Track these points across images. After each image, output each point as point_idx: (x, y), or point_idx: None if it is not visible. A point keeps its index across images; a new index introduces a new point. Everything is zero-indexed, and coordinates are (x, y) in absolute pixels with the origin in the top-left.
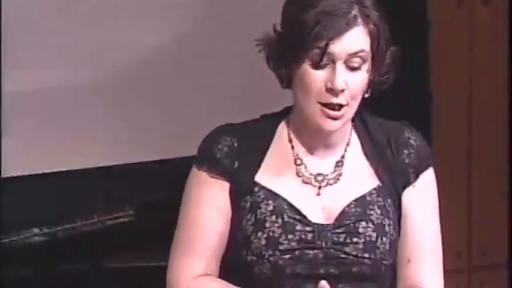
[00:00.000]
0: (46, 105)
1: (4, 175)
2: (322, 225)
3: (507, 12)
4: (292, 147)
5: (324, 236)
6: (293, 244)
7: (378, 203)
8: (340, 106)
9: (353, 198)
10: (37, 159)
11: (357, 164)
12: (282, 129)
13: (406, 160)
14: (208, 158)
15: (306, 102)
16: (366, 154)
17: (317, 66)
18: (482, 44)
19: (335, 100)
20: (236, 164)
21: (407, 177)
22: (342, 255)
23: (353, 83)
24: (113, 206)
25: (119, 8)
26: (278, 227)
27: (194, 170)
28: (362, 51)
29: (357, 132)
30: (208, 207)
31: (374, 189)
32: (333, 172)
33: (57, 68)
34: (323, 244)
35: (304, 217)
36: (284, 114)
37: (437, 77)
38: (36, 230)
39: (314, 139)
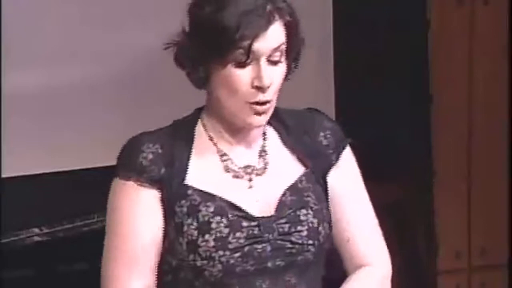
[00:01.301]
0: (46, 105)
1: (4, 175)
2: (266, 217)
3: (507, 12)
4: (215, 144)
5: (269, 229)
6: (242, 241)
7: (311, 189)
8: (266, 102)
9: (285, 187)
10: (37, 159)
11: (279, 153)
12: (200, 130)
13: (324, 142)
14: (134, 168)
15: (232, 101)
16: (285, 143)
17: (241, 65)
18: (482, 44)
19: (262, 98)
20: (163, 170)
21: (329, 159)
22: (289, 245)
23: (276, 77)
24: None
25: (119, 9)
26: (224, 227)
27: (120, 181)
28: (282, 44)
29: (270, 123)
30: (143, 218)
31: (303, 175)
32: (259, 163)
33: (57, 68)
34: (270, 237)
35: (246, 212)
36: (196, 116)
37: (437, 77)
38: (36, 230)
39: (236, 136)
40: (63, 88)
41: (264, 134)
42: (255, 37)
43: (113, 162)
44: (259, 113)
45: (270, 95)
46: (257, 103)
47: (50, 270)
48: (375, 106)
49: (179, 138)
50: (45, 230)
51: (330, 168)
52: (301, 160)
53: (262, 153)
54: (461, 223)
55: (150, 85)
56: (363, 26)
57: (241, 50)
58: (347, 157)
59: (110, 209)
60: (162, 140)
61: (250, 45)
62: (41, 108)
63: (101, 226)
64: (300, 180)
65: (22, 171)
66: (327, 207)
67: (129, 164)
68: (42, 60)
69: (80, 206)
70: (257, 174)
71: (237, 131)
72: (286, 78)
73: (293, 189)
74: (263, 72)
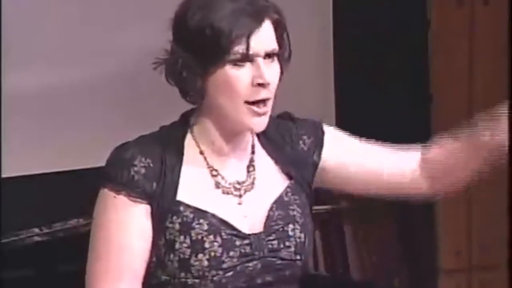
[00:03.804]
0: (46, 105)
1: (4, 175)
2: (256, 234)
3: (507, 12)
4: (205, 158)
5: (260, 246)
6: (235, 260)
7: (296, 202)
8: (265, 101)
9: (272, 200)
10: (37, 159)
11: (265, 166)
12: (190, 141)
13: (305, 148)
14: (126, 182)
15: (232, 104)
16: (269, 155)
17: (239, 65)
18: (482, 44)
19: (263, 95)
20: (155, 185)
21: (312, 161)
22: (278, 261)
23: (273, 75)
24: None
25: (119, 9)
26: (218, 246)
27: (109, 194)
28: (274, 42)
29: (255, 135)
30: (132, 233)
31: (288, 187)
32: (248, 178)
33: (56, 68)
34: (261, 254)
35: (239, 230)
36: (185, 124)
37: (437, 77)
38: (36, 230)
39: (226, 146)
40: (63, 88)
41: (253, 147)
42: (250, 34)
43: None
44: (259, 115)
45: (270, 93)
46: (257, 102)
47: (50, 270)
48: (375, 106)
49: (169, 151)
50: (45, 230)
51: (316, 168)
52: (284, 171)
53: (250, 168)
54: (461, 223)
55: (150, 85)
56: (363, 26)
57: (237, 49)
58: (329, 137)
59: (99, 222)
60: (153, 153)
61: (247, 42)
62: (41, 108)
63: None
64: (285, 193)
65: (22, 171)
66: (310, 220)
67: (120, 177)
68: (42, 60)
69: (80, 206)
70: (246, 190)
71: (231, 140)
72: (280, 78)
73: (279, 202)
74: (263, 68)
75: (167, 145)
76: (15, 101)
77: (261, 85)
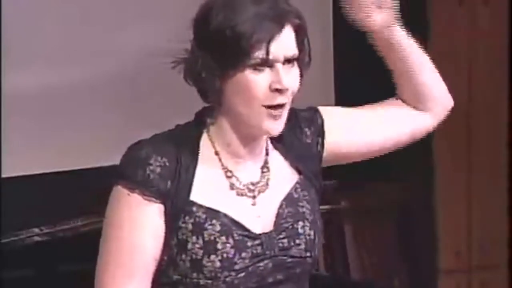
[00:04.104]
0: (46, 105)
1: (4, 175)
2: (266, 234)
3: (507, 12)
4: (220, 159)
5: (270, 245)
6: (247, 261)
7: (305, 198)
8: (282, 105)
9: (282, 197)
10: (37, 159)
11: (277, 165)
12: (206, 142)
13: (308, 140)
14: (140, 180)
15: (248, 108)
16: (280, 153)
17: (258, 70)
18: (482, 44)
19: (280, 100)
20: (169, 184)
21: (316, 152)
22: (288, 260)
23: (292, 80)
24: None
25: (119, 9)
26: (231, 247)
27: (123, 191)
28: (294, 47)
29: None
30: (145, 232)
31: (297, 183)
32: (261, 179)
33: (56, 69)
34: (272, 253)
35: (250, 231)
36: (202, 124)
37: None
38: (36, 230)
39: (243, 149)
40: (63, 88)
41: (266, 149)
42: (270, 39)
43: (113, 162)
44: (275, 118)
45: (287, 98)
46: (274, 106)
47: (50, 270)
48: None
49: (184, 150)
50: (45, 230)
51: (321, 158)
52: (294, 166)
53: (264, 169)
54: (461, 223)
55: (150, 85)
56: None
57: (258, 54)
58: (329, 122)
59: (111, 219)
60: (169, 153)
61: (267, 48)
62: (41, 108)
63: (101, 226)
64: (295, 189)
65: (22, 171)
66: (319, 217)
67: (135, 176)
68: (42, 60)
69: (80, 206)
70: (260, 191)
71: (247, 144)
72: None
73: (288, 199)
74: (282, 74)
75: (182, 144)
76: (15, 101)
77: (278, 90)
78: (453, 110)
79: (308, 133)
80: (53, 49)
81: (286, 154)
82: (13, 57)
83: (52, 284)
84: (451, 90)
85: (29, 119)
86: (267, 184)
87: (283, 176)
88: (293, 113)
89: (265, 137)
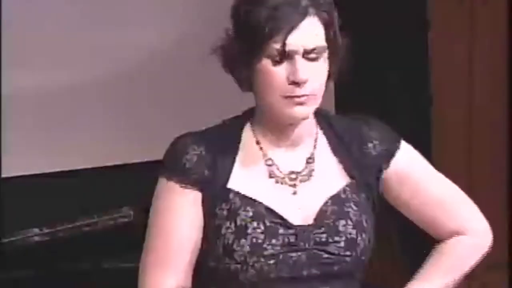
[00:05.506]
0: (46, 105)
1: (4, 175)
2: (303, 226)
3: (507, 12)
4: (261, 148)
5: (306, 238)
6: (277, 248)
7: (354, 200)
8: (303, 96)
9: (328, 196)
10: (37, 159)
11: (326, 160)
12: (248, 132)
13: (373, 152)
14: (177, 169)
15: (270, 98)
16: (333, 151)
17: (276, 62)
18: (482, 44)
19: (298, 92)
20: (206, 172)
21: (379, 168)
22: (325, 255)
23: (313, 73)
24: (113, 206)
25: (119, 8)
26: (261, 233)
27: (163, 180)
28: (317, 40)
29: (322, 128)
30: (182, 219)
31: (347, 185)
32: (305, 169)
33: (57, 68)
34: (306, 246)
35: (285, 220)
36: (246, 116)
37: (437, 77)
38: (36, 230)
39: (281, 135)
40: (63, 88)
41: (315, 139)
42: (288, 30)
43: (113, 162)
44: (297, 104)
45: (308, 90)
46: (294, 97)
47: (50, 270)
48: (375, 106)
49: (225, 140)
50: (45, 230)
51: (380, 175)
52: (346, 170)
53: (310, 160)
54: None
55: (150, 85)
56: (364, 26)
57: (274, 45)
58: (403, 151)
59: (153, 208)
60: (207, 142)
61: (284, 39)
62: (41, 108)
63: (101, 226)
64: (343, 190)
65: (22, 171)
66: (370, 219)
67: (173, 165)
68: (42, 60)
69: (81, 206)
70: (302, 181)
71: (283, 131)
72: (330, 78)
73: (335, 198)
74: (299, 66)
75: (224, 135)
76: (15, 101)
77: (295, 83)
78: (453, 110)
79: (378, 146)
80: (53, 49)
81: (342, 157)
82: (13, 57)
83: (52, 284)
84: (451, 90)
85: (29, 119)
86: (310, 175)
87: (332, 175)
88: (364, 120)
89: (305, 126)
